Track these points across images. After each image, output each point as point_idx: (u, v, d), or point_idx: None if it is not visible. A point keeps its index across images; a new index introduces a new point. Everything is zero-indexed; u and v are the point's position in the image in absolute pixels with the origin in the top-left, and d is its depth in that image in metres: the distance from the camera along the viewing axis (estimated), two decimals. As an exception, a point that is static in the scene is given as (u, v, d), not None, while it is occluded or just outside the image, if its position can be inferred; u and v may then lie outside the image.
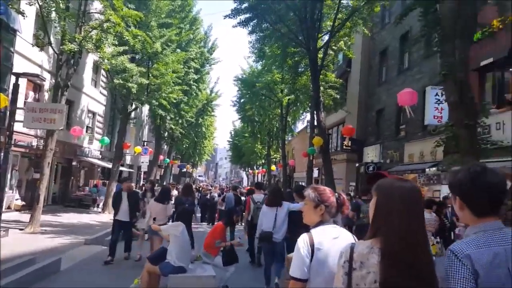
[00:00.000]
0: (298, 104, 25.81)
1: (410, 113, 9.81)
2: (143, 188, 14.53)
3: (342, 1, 15.09)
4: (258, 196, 8.27)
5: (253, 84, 26.38)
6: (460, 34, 6.76)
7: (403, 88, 17.60)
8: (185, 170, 43.45)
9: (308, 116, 25.83)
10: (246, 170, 59.38)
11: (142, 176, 32.41)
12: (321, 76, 15.62)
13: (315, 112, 16.17)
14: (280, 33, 14.96)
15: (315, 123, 17.51)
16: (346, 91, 22.78)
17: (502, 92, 11.42)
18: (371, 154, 19.36)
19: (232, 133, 51.30)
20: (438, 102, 13.17)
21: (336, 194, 2.38)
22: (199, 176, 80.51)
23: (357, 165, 20.06)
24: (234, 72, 78.56)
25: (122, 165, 22.70)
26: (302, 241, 2.06)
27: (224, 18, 15.24)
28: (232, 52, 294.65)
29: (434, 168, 13.17)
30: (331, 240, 2.07)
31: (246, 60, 46.43)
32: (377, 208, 1.60)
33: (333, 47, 16.86)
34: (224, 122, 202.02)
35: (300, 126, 36.32)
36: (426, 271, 1.44)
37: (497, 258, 1.43)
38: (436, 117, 13.07)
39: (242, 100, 31.30)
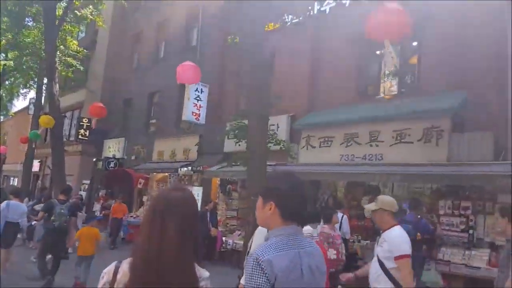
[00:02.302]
0: (18, 74, 19.36)
1: None
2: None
3: None
4: None
5: None
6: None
7: (158, 79, 16.37)
8: None
9: (32, 93, 19.96)
10: None
11: None
12: (59, 40, 11.62)
13: (46, 81, 11.86)
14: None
15: (45, 98, 13.06)
16: (89, 68, 19.00)
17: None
18: (113, 148, 16.70)
19: None
20: (198, 98, 12.27)
21: None
22: None
23: (94, 159, 16.79)
24: None
25: None
26: None
27: None
28: None
29: (186, 168, 12.13)
30: None
31: None
32: None
33: (76, 11, 13.15)
34: None
35: (20, 104, 28.37)
36: None
37: (293, 261, 1.52)
38: (194, 114, 12.08)
39: None
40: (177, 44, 15.34)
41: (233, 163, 7.06)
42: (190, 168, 11.67)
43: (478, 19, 6.73)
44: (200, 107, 12.21)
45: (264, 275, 1.44)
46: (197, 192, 11.30)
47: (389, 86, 8.76)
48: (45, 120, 10.60)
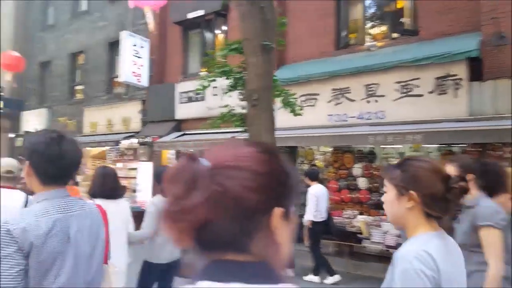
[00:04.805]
0: None
1: None
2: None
3: None
4: None
5: None
6: None
7: (80, 37, 13.48)
8: None
9: None
10: None
11: None
12: None
13: None
14: None
15: None
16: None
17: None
18: (34, 121, 13.72)
19: None
20: (137, 55, 9.98)
21: None
22: None
23: (13, 135, 13.74)
24: None
25: None
26: None
27: None
28: None
29: (129, 141, 10.00)
30: None
31: None
32: None
33: None
34: None
35: None
36: None
37: (57, 226, 1.39)
38: (135, 74, 9.82)
39: None
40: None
41: (199, 130, 5.34)
42: (136, 140, 9.57)
43: None
44: (141, 66, 9.98)
45: (14, 243, 1.29)
46: (146, 168, 9.33)
47: (378, 32, 7.48)
48: None
